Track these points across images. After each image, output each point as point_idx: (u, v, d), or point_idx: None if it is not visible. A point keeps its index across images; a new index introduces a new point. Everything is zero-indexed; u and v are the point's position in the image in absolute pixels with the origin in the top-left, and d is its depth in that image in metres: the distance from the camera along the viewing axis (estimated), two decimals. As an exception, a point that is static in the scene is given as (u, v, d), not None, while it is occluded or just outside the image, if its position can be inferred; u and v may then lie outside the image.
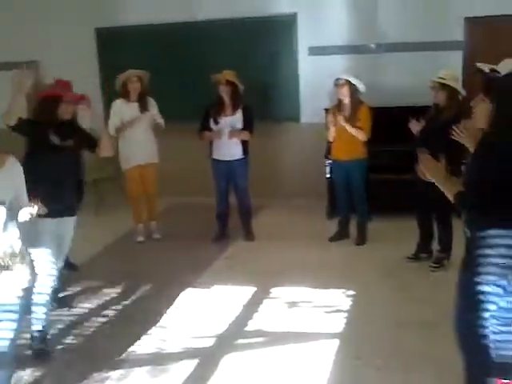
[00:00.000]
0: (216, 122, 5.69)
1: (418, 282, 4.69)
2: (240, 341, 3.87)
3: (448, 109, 4.71)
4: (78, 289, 4.90)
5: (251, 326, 4.08)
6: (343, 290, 4.59)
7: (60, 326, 4.20)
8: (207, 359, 3.64)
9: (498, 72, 2.91)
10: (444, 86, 4.73)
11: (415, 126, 4.91)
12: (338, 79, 5.45)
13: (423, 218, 5.10)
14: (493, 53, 6.30)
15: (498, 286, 2.73)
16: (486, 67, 3.42)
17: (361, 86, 5.42)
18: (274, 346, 3.76)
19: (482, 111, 2.67)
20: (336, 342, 3.76)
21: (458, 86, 4.83)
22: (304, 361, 3.56)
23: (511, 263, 2.71)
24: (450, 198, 2.79)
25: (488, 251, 2.68)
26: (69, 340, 3.99)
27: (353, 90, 5.39)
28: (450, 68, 5.15)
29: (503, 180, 2.60)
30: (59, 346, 3.89)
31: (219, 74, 5.64)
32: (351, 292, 4.56)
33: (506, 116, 2.61)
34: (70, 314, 4.40)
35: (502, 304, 2.92)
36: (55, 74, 7.01)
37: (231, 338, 3.90)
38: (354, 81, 5.39)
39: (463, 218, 2.86)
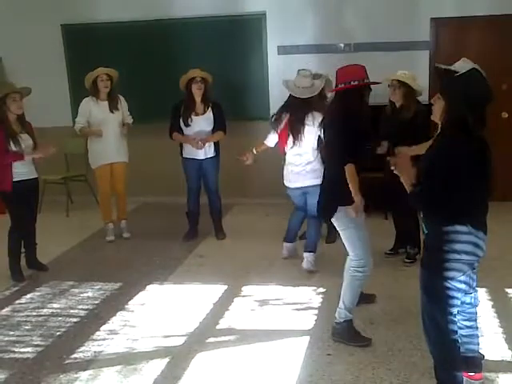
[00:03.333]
0: (186, 124, 5.65)
1: (389, 278, 4.75)
2: (211, 339, 3.87)
3: (406, 108, 4.74)
4: (47, 289, 4.84)
5: (222, 324, 4.08)
6: (313, 288, 4.63)
7: (27, 327, 4.14)
8: (178, 358, 3.62)
9: (455, 72, 2.99)
10: (402, 84, 4.77)
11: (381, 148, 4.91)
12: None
13: (399, 214, 5.16)
14: (458, 53, 6.42)
15: (460, 281, 2.78)
16: (442, 67, 3.50)
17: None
18: (245, 344, 3.77)
19: (438, 108, 2.77)
20: (306, 339, 3.79)
21: (416, 85, 4.83)
22: (275, 358, 3.58)
23: (471, 259, 2.76)
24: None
25: (447, 247, 2.72)
26: (37, 341, 3.93)
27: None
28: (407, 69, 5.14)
29: (462, 176, 2.64)
30: (27, 348, 3.84)
31: (192, 72, 5.61)
32: (321, 289, 4.60)
33: (456, 116, 2.67)
34: (38, 315, 4.34)
35: (467, 300, 2.99)
36: (21, 71, 7.00)
37: (202, 337, 3.90)
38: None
39: (422, 215, 2.90)
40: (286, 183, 5.04)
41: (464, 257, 2.72)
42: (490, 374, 3.24)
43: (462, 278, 2.77)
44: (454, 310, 2.82)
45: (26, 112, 4.99)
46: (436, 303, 2.80)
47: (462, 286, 2.80)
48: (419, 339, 3.52)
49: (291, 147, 4.87)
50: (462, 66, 2.77)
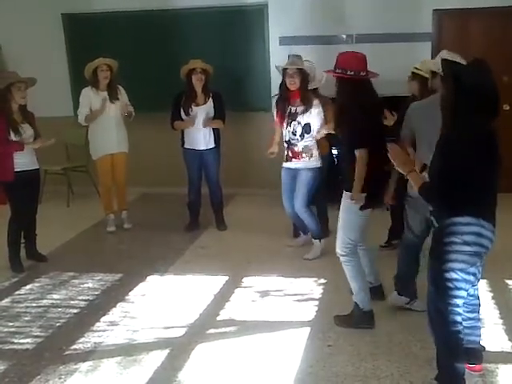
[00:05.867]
0: (187, 113, 5.64)
1: (389, 269, 4.73)
2: (212, 330, 3.86)
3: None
4: (47, 279, 4.83)
5: (223, 315, 4.08)
6: (314, 279, 4.62)
7: (27, 318, 4.14)
8: (179, 349, 3.62)
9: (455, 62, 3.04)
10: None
11: (389, 119, 4.87)
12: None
13: (395, 205, 5.13)
14: (460, 44, 6.44)
15: (468, 273, 2.78)
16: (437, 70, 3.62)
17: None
18: (246, 335, 3.76)
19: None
20: (307, 330, 3.79)
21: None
22: (276, 349, 3.57)
23: (481, 251, 2.76)
24: (416, 188, 2.83)
25: (457, 239, 2.72)
26: (37, 332, 3.92)
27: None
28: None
29: (470, 168, 2.64)
30: (27, 339, 3.83)
31: (192, 62, 5.59)
32: (322, 280, 4.59)
33: (466, 104, 2.65)
34: (38, 306, 4.33)
35: (471, 291, 2.98)
36: (21, 60, 6.97)
37: (203, 328, 3.89)
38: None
39: (430, 208, 2.90)
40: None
41: (475, 248, 2.72)
42: (489, 365, 3.24)
43: (471, 269, 2.77)
44: (460, 302, 2.81)
45: (27, 102, 4.97)
46: (443, 294, 2.79)
47: (471, 278, 2.80)
48: (420, 330, 3.52)
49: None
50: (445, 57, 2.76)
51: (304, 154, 4.93)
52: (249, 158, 7.28)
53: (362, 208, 3.60)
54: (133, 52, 7.04)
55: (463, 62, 3.37)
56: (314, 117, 4.88)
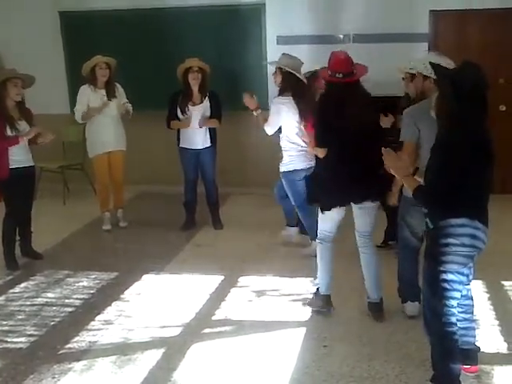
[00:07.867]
0: (183, 113, 5.63)
1: (384, 270, 4.73)
2: (207, 330, 3.86)
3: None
4: (42, 278, 4.81)
5: (218, 314, 4.07)
6: (310, 279, 4.61)
7: (21, 316, 4.12)
8: (174, 348, 3.61)
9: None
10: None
11: (385, 121, 4.84)
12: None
13: (391, 205, 5.12)
14: (456, 45, 6.46)
15: (462, 274, 2.79)
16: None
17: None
18: (242, 335, 3.76)
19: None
20: (302, 331, 3.78)
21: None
22: (271, 349, 3.57)
23: (473, 252, 2.77)
24: (410, 191, 2.83)
25: (452, 240, 2.73)
26: (31, 331, 3.91)
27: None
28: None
29: (467, 170, 2.65)
30: (21, 338, 3.81)
31: (189, 61, 5.58)
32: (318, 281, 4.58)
33: (463, 107, 2.66)
34: (32, 304, 4.32)
35: (463, 292, 3.00)
36: (18, 57, 6.94)
37: (198, 327, 3.88)
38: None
39: (425, 210, 2.90)
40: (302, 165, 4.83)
41: (468, 249, 2.73)
42: (485, 367, 3.24)
43: (465, 270, 2.78)
44: (455, 303, 2.82)
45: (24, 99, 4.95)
46: (438, 295, 2.80)
47: (464, 279, 2.81)
48: (415, 331, 3.53)
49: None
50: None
51: (281, 155, 4.90)
52: (245, 157, 7.27)
53: (322, 210, 3.87)
54: (129, 50, 7.02)
55: (452, 65, 3.40)
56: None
